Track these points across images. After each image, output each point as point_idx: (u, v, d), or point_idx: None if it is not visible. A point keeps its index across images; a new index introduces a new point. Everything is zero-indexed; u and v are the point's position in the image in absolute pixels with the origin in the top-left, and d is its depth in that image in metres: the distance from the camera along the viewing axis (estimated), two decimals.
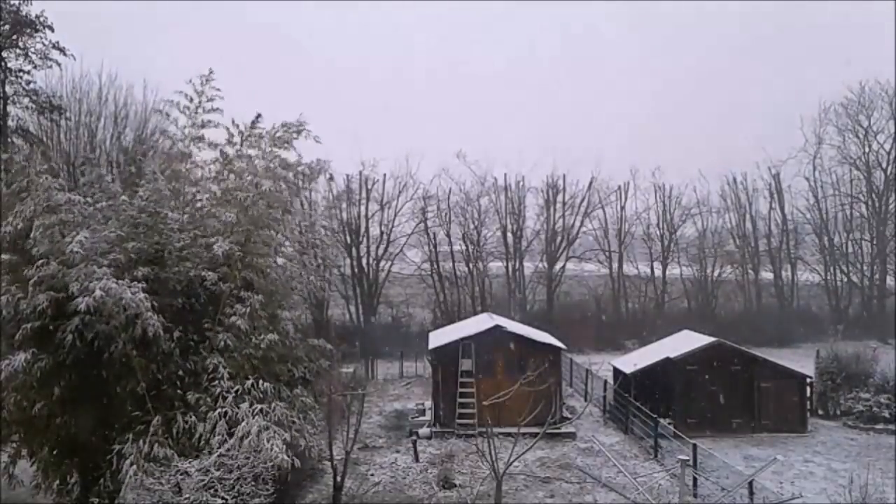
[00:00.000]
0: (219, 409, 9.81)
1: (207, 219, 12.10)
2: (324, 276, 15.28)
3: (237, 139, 13.05)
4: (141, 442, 9.72)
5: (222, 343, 10.85)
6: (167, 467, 9.29)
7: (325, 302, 37.44)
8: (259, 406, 9.73)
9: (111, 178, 12.46)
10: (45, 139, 29.96)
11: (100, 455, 10.39)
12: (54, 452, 11.51)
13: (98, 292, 9.60)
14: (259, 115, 13.04)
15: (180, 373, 10.86)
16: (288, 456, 9.22)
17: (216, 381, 10.38)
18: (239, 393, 10.06)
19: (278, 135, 12.73)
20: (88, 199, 11.90)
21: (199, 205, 12.53)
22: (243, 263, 11.87)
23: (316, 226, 15.22)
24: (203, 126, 13.12)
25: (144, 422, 10.19)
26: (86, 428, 10.95)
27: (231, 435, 9.33)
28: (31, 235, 10.59)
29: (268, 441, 9.06)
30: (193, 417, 10.22)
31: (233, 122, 13.06)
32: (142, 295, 9.99)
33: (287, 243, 13.76)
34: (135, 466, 9.33)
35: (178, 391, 10.74)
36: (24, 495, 12.41)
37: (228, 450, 9.12)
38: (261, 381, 10.45)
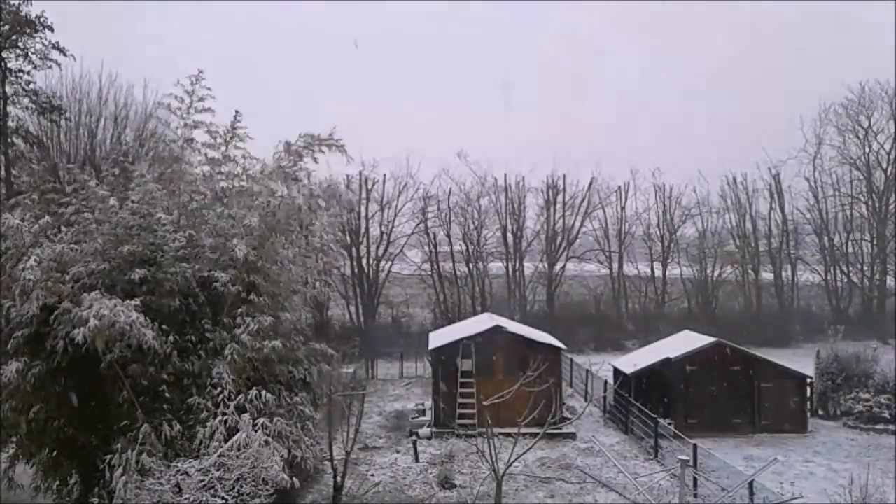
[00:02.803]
0: (219, 417, 9.78)
1: (220, 219, 12.08)
2: (325, 281, 15.31)
3: (220, 140, 13.07)
4: (130, 451, 9.66)
5: (229, 356, 10.77)
6: (167, 468, 9.28)
7: (325, 303, 37.40)
8: (261, 420, 9.67)
9: (95, 182, 12.28)
10: (44, 140, 30.01)
11: (99, 456, 10.38)
12: (53, 454, 11.50)
13: (92, 321, 9.47)
14: (237, 112, 13.06)
15: (177, 376, 10.81)
16: (287, 474, 9.23)
17: (219, 388, 10.34)
18: (241, 402, 10.03)
19: (295, 148, 12.76)
20: (79, 207, 11.89)
21: (193, 206, 12.53)
22: (254, 267, 11.87)
23: (322, 232, 15.23)
24: (195, 126, 13.11)
25: (140, 426, 10.11)
26: (84, 430, 10.92)
27: (228, 442, 9.31)
28: None
29: (268, 459, 9.04)
30: (191, 422, 10.20)
31: (208, 125, 13.11)
32: (134, 315, 9.83)
33: (296, 247, 13.80)
34: (125, 477, 9.31)
35: (177, 394, 10.71)
36: (24, 497, 12.39)
37: (223, 454, 9.12)
38: (263, 392, 10.40)
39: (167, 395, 10.62)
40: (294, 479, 9.51)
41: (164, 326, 10.72)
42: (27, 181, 12.06)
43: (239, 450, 9.09)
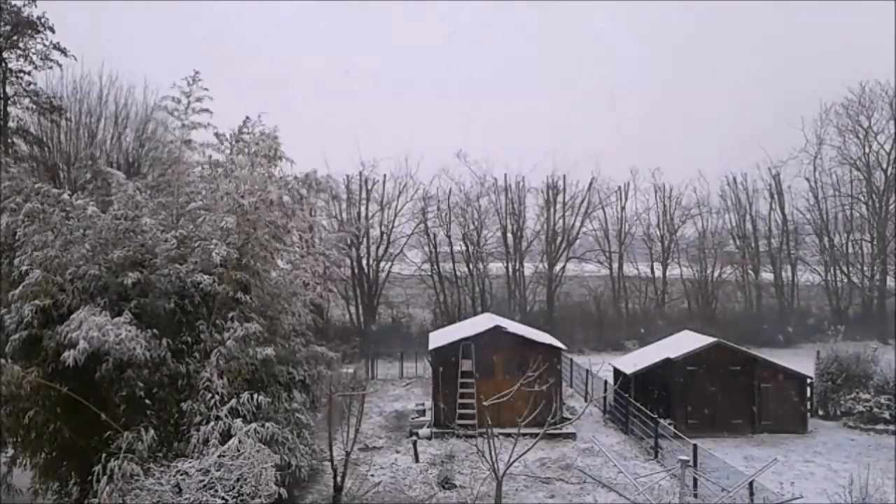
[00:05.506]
0: (212, 422, 9.76)
1: (204, 224, 12.05)
2: (327, 286, 15.36)
3: (227, 144, 13.03)
4: (120, 456, 9.64)
5: (215, 361, 10.72)
6: (167, 468, 9.28)
7: (324, 305, 37.38)
8: (253, 425, 9.65)
9: (69, 193, 12.12)
10: (45, 140, 30.00)
11: (98, 457, 10.38)
12: (52, 455, 11.48)
13: (82, 343, 9.48)
14: (247, 118, 13.06)
15: (171, 378, 10.80)
16: (278, 484, 9.22)
17: (211, 393, 10.30)
18: (233, 407, 10.00)
19: (261, 149, 12.76)
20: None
21: (191, 206, 12.51)
22: (239, 266, 11.80)
23: (329, 238, 15.23)
24: (193, 128, 13.08)
25: (136, 428, 10.10)
26: (81, 432, 10.89)
27: (223, 446, 9.30)
28: None
29: (260, 465, 9.03)
30: (184, 426, 10.19)
31: (216, 133, 13.09)
32: (124, 332, 9.81)
33: (296, 248, 13.77)
34: (110, 486, 9.31)
35: (173, 396, 10.70)
36: (24, 500, 12.36)
37: (223, 454, 9.13)
38: (255, 395, 10.35)
39: (161, 398, 10.60)
40: (281, 489, 9.46)
41: (156, 330, 10.68)
42: (9, 185, 11.93)
43: (233, 460, 9.08)
